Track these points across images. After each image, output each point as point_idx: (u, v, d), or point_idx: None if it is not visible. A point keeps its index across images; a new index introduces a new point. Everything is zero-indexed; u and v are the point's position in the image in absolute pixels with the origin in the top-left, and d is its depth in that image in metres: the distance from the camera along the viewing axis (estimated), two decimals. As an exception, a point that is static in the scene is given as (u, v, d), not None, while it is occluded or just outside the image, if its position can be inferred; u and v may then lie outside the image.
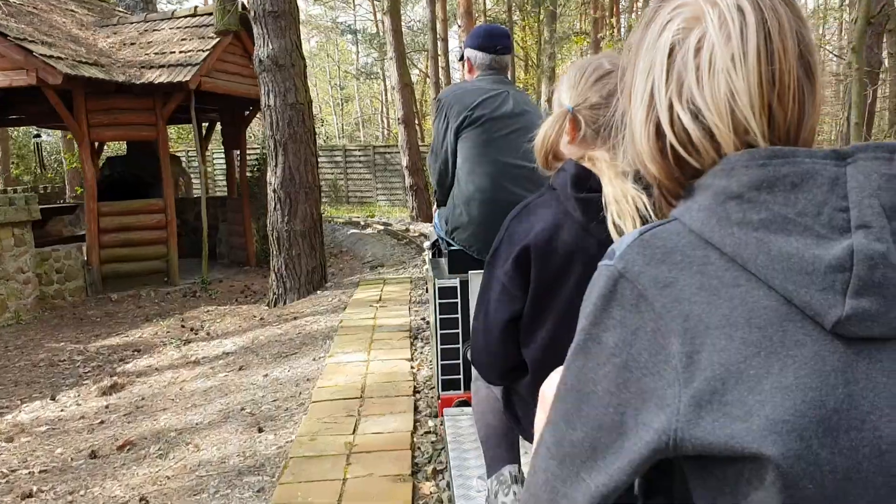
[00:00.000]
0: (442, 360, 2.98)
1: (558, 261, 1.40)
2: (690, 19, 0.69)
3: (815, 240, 0.60)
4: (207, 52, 9.71)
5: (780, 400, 0.58)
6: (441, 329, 2.94)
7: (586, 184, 1.36)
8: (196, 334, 7.14)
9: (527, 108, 2.99)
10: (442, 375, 3.00)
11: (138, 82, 9.21)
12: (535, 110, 3.05)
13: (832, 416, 0.58)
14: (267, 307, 8.00)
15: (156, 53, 9.90)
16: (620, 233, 1.25)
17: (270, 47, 7.53)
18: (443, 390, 3.00)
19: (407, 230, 13.48)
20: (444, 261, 3.15)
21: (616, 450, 0.64)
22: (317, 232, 7.98)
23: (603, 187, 1.31)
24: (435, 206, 3.32)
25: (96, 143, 14.03)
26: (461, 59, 3.15)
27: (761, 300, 0.61)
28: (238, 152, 12.40)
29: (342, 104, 42.35)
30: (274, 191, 7.77)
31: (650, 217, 1.23)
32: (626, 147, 0.80)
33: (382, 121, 38.07)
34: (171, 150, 14.24)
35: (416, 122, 17.26)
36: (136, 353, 6.61)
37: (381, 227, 13.90)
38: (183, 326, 7.56)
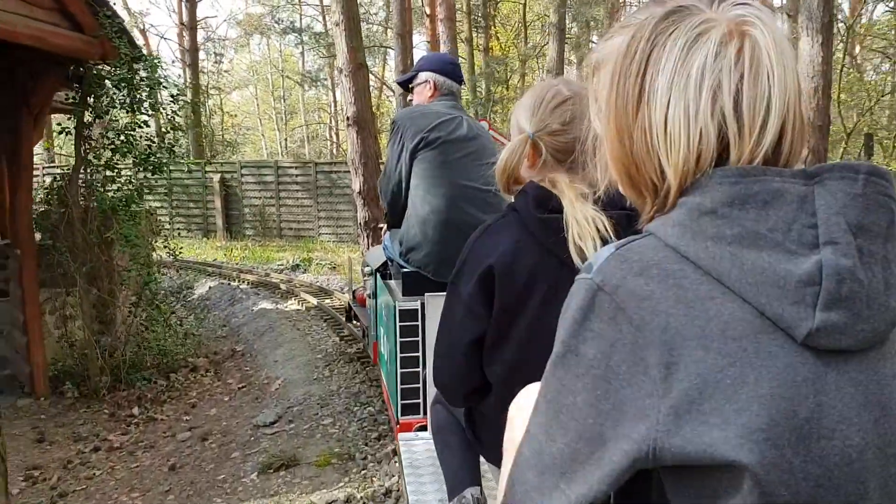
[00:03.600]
0: (402, 384, 2.78)
1: (521, 280, 1.36)
2: (727, 34, 0.68)
3: (785, 255, 0.61)
4: None
5: (756, 409, 0.58)
6: (401, 353, 2.76)
7: (548, 204, 1.34)
8: None
9: (480, 132, 2.97)
10: (401, 400, 2.79)
11: None
12: (486, 135, 3.06)
13: (804, 425, 0.59)
14: None
15: None
16: (581, 253, 1.25)
17: None
18: (402, 415, 2.79)
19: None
20: (394, 283, 3.06)
21: (596, 460, 0.63)
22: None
23: (564, 208, 1.30)
24: (384, 228, 3.25)
25: None
26: (407, 82, 3.03)
27: (735, 312, 0.61)
28: (18, 161, 6.04)
29: (285, 117, 35.97)
30: None
31: (610, 238, 1.22)
32: (600, 168, 0.81)
33: (330, 135, 31.82)
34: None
35: (374, 128, 11.11)
36: None
37: (315, 302, 7.65)
38: None
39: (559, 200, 1.31)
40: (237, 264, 11.59)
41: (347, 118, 10.38)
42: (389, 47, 23.63)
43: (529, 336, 1.39)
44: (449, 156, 2.81)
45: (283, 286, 8.58)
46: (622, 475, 0.62)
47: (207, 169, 17.88)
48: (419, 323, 2.75)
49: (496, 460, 1.51)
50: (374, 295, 3.82)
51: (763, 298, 0.60)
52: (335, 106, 32.67)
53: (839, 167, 0.63)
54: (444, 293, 1.57)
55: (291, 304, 7.72)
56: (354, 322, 5.69)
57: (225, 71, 28.36)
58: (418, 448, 2.42)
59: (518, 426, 1.06)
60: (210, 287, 9.20)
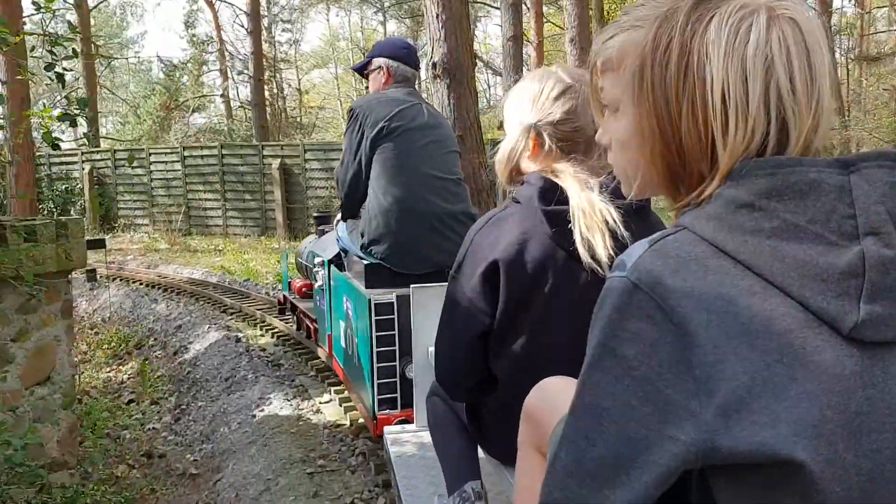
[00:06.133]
0: (378, 378, 2.71)
1: (528, 274, 1.29)
2: (770, 18, 0.66)
3: (826, 247, 0.59)
4: None
5: (806, 406, 0.57)
6: (377, 347, 2.68)
7: (553, 196, 1.28)
8: None
9: (440, 120, 2.94)
10: (378, 395, 2.72)
11: None
12: (446, 123, 3.06)
13: (854, 419, 0.57)
14: None
15: None
16: (588, 246, 1.20)
17: None
18: (379, 410, 2.73)
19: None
20: (353, 275, 3.03)
21: (641, 464, 0.60)
22: None
23: (570, 199, 1.25)
24: (338, 218, 3.20)
25: None
26: (362, 68, 2.97)
27: (779, 307, 0.59)
28: None
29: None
30: None
31: (619, 229, 1.18)
32: (629, 172, 0.77)
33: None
34: None
35: (474, 81, 7.14)
36: None
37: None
38: None
39: (564, 192, 1.26)
40: (280, 283, 7.94)
41: (433, 65, 6.48)
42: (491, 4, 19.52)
43: (536, 330, 1.32)
44: (410, 144, 2.72)
45: (323, 353, 4.77)
46: (670, 478, 0.60)
47: (265, 153, 14.52)
48: (394, 316, 2.66)
49: (500, 455, 1.47)
50: (329, 287, 3.54)
51: (806, 292, 0.58)
52: (419, 83, 28.93)
53: (875, 155, 0.62)
54: (430, 285, 1.82)
55: (327, 410, 3.91)
56: (289, 314, 5.18)
57: (294, 41, 25.09)
58: (406, 441, 2.22)
59: (535, 423, 1.08)
60: (210, 343, 5.55)
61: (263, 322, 5.96)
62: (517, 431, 1.15)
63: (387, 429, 2.39)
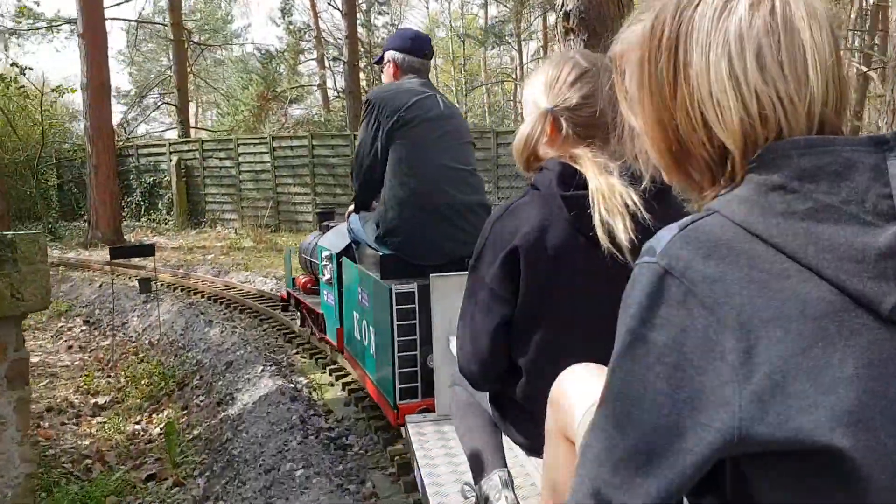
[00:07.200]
0: (399, 368, 2.71)
1: (549, 261, 1.28)
2: (754, 2, 0.65)
3: (862, 227, 0.57)
4: None
5: (843, 391, 0.55)
6: (398, 336, 2.69)
7: (572, 182, 1.27)
8: None
9: (454, 111, 2.91)
10: (399, 384, 2.72)
11: None
12: (460, 114, 2.98)
13: (894, 404, 0.55)
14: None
15: None
16: (608, 230, 1.16)
17: None
18: (400, 399, 2.72)
19: None
20: (364, 266, 3.01)
21: (675, 452, 0.58)
22: None
23: (589, 183, 1.23)
24: (350, 209, 3.18)
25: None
26: (379, 61, 3.01)
27: (813, 291, 0.57)
28: None
29: (465, 88, 30.83)
30: None
31: (640, 212, 1.14)
32: (641, 161, 0.78)
33: (514, 105, 26.20)
34: None
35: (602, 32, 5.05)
36: None
37: None
38: None
39: (583, 177, 1.24)
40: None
41: (565, 15, 4.61)
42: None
43: (559, 317, 1.31)
44: (427, 135, 2.71)
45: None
46: (705, 465, 0.58)
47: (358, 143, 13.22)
48: (415, 306, 2.67)
49: (525, 443, 1.44)
50: (339, 279, 3.50)
51: (842, 274, 0.56)
52: (521, 70, 27.12)
53: None
54: (450, 274, 1.83)
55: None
56: (292, 310, 5.10)
57: (392, 25, 23.78)
58: (427, 430, 2.23)
59: (561, 410, 1.07)
60: (261, 396, 4.08)
61: (334, 364, 4.44)
62: (542, 419, 1.15)
63: (408, 417, 2.38)
